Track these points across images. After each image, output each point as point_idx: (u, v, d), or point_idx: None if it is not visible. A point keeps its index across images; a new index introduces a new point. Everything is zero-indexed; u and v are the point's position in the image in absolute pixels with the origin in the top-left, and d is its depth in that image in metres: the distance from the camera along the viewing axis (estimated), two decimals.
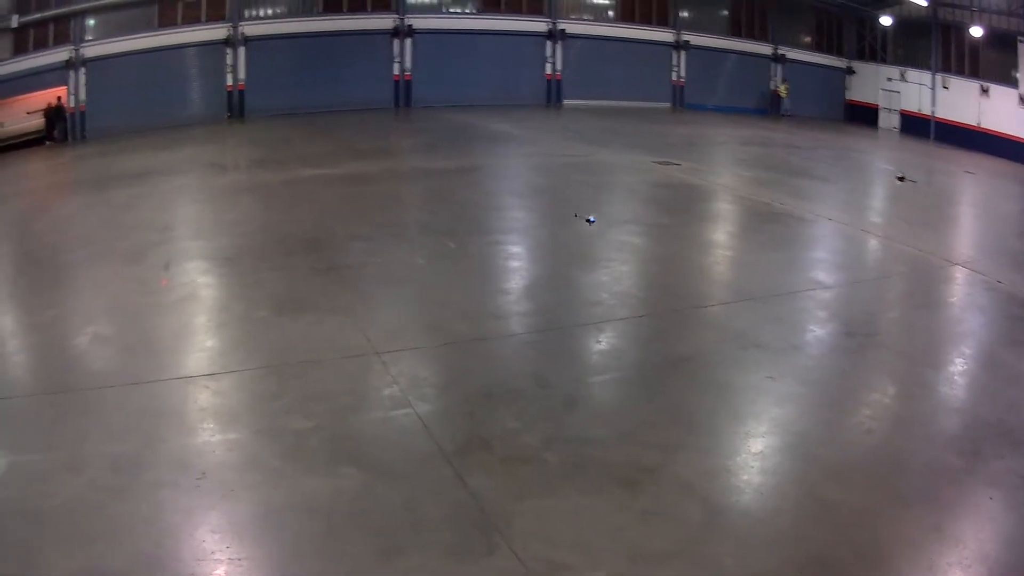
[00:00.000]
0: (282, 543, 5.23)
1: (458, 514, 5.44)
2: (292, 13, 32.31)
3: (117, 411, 7.21)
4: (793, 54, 35.72)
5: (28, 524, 5.68)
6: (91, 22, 32.48)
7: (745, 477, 5.97)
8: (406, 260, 10.70)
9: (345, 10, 32.09)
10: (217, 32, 31.51)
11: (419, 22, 31.92)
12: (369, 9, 32.06)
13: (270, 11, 32.47)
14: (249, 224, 12.94)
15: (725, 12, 36.53)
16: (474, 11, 33.40)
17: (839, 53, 35.76)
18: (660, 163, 17.67)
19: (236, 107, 31.16)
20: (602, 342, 8.37)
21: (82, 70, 31.57)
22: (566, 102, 32.71)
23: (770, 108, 34.45)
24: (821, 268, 10.86)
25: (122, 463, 6.32)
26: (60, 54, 31.76)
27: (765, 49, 35.81)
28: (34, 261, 12.64)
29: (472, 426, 6.49)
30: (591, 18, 34.89)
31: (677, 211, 13.71)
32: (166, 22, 32.06)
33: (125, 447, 6.53)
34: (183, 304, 9.68)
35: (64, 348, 8.93)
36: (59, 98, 32.41)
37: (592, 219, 11.48)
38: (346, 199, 14.46)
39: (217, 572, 4.98)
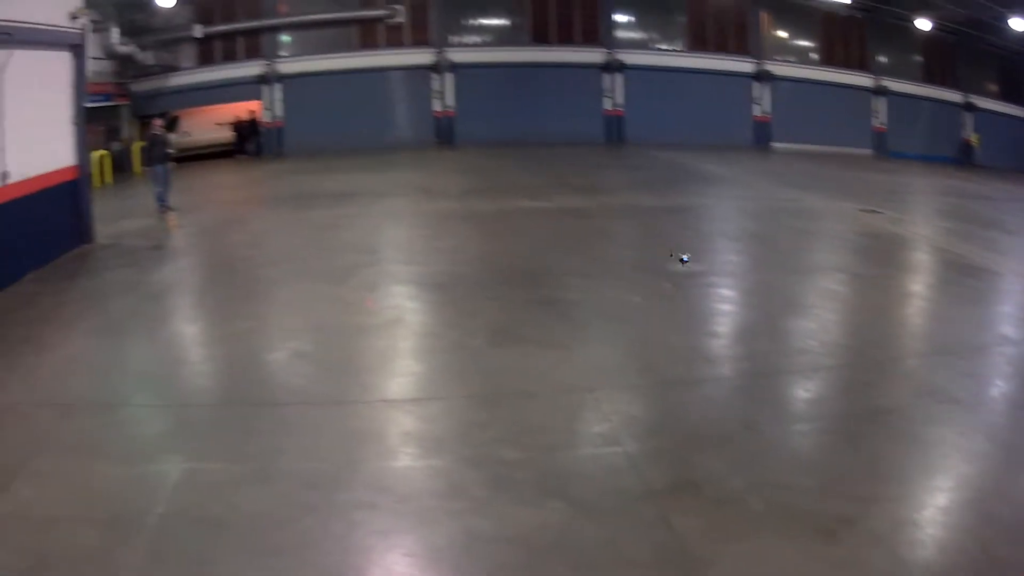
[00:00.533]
0: (479, 572, 5.10)
1: (661, 553, 5.25)
2: (500, 42, 32.64)
3: (315, 429, 7.24)
4: (983, 103, 34.45)
5: (208, 532, 5.71)
6: (285, 38, 33.41)
7: (930, 531, 5.70)
8: (621, 298, 10.52)
9: (554, 42, 32.23)
10: (423, 57, 32.08)
11: (628, 58, 31.81)
12: (578, 42, 32.07)
13: (477, 39, 32.84)
14: (462, 252, 12.99)
15: (919, 57, 35.44)
16: (682, 49, 33.11)
17: None
18: (864, 211, 17.09)
19: (445, 133, 31.61)
20: (808, 390, 8.08)
21: (277, 86, 32.49)
22: (774, 145, 32.18)
23: (963, 157, 33.21)
24: (1012, 324, 10.23)
25: (317, 480, 6.29)
26: (252, 68, 32.76)
27: (956, 97, 34.60)
28: (232, 273, 13.08)
29: (680, 467, 6.29)
30: (795, 60, 34.24)
31: (880, 261, 13.21)
32: (368, 43, 32.74)
33: (322, 465, 6.52)
34: (390, 327, 9.74)
35: (262, 362, 9.12)
36: (252, 112, 33.36)
37: (686, 259, 11.04)
38: (560, 233, 14.41)
39: None
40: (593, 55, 31.95)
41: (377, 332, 9.59)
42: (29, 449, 7.29)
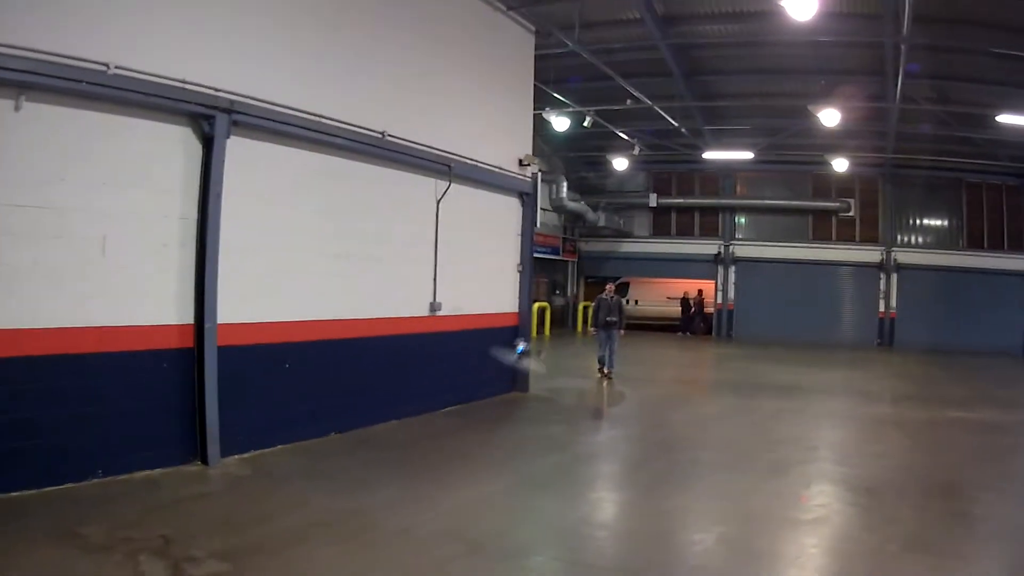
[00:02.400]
0: None
1: None
2: (939, 244, 31.94)
3: None
4: None
5: None
6: (741, 220, 34.03)
7: None
8: (1019, 516, 10.31)
9: (986, 247, 31.20)
10: (871, 255, 31.92)
11: None
12: (1005, 248, 30.77)
13: (920, 239, 32.28)
14: (892, 458, 13.17)
15: None
16: None
17: None
18: None
19: (887, 335, 31.19)
20: None
21: (732, 268, 33.16)
22: None
23: None
24: None
25: None
26: (708, 247, 33.60)
27: None
28: (668, 449, 13.85)
29: None
30: None
31: None
32: (819, 235, 32.95)
33: None
34: (817, 525, 10.01)
35: (684, 541, 9.61)
36: (700, 291, 34.03)
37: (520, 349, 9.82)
38: (983, 447, 14.17)
39: None
40: (1018, 262, 30.65)
41: (803, 528, 9.92)
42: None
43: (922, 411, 16.99)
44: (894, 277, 31.65)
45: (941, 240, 32.06)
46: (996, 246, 31.07)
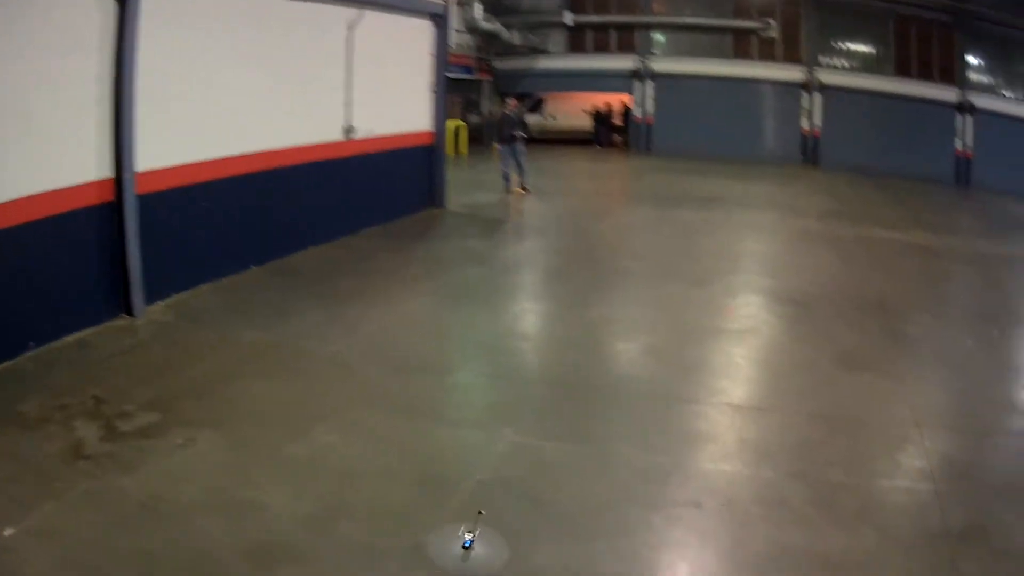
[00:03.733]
0: None
1: None
2: (865, 68, 31.29)
3: (654, 422, 7.35)
4: None
5: (526, 506, 5.87)
6: (659, 37, 33.34)
7: None
8: (956, 340, 10.01)
9: (914, 76, 30.53)
10: (793, 74, 31.29)
11: (980, 101, 29.32)
12: (935, 79, 30.12)
13: (844, 63, 31.66)
14: (822, 274, 12.81)
15: None
16: None
17: None
18: None
19: (810, 153, 30.86)
20: None
21: (650, 83, 32.58)
22: None
23: None
24: None
25: (648, 472, 6.36)
26: (625, 62, 32.89)
27: None
28: (590, 261, 13.43)
29: (979, 515, 5.99)
30: None
31: None
32: (740, 54, 32.32)
33: (655, 458, 6.59)
34: (745, 336, 9.79)
35: (610, 351, 9.35)
36: (609, 104, 33.59)
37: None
38: (914, 269, 13.88)
39: None
40: (947, 93, 29.72)
41: (730, 338, 9.67)
42: (343, 400, 7.71)
43: (851, 229, 16.57)
44: (817, 97, 31.18)
45: (868, 66, 31.43)
46: (926, 77, 30.56)
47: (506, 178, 19.97)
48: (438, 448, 6.93)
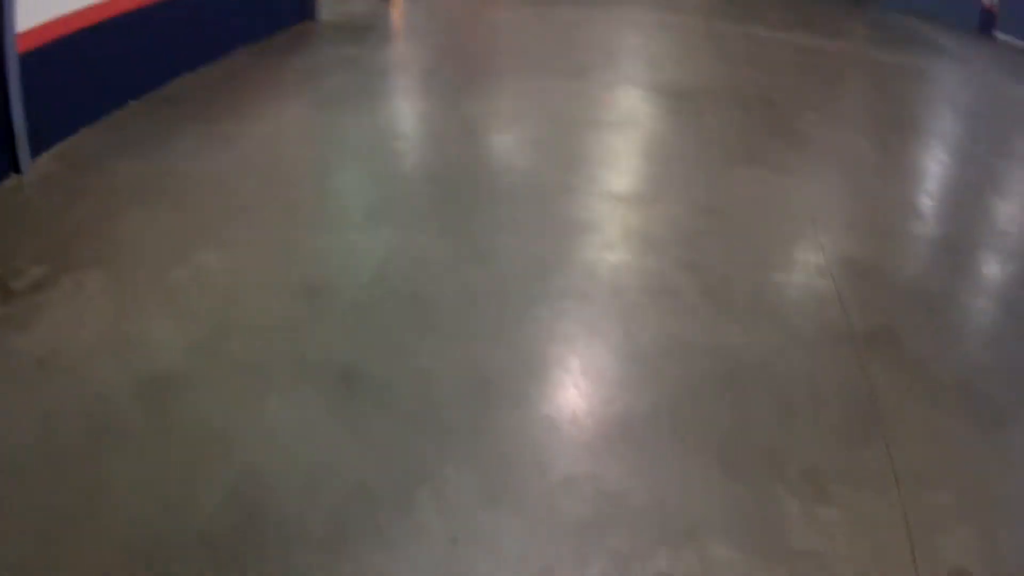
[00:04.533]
0: (683, 377, 4.93)
1: (849, 397, 4.93)
2: None
3: (537, 213, 7.02)
4: None
5: (409, 307, 5.65)
6: None
7: None
8: (851, 142, 9.69)
9: None
10: None
11: None
12: None
13: None
14: (701, 68, 12.33)
15: None
16: None
17: None
18: None
19: None
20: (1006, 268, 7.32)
21: None
22: None
23: None
24: None
25: (530, 264, 6.08)
26: None
27: None
28: (465, 59, 12.76)
29: (885, 316, 5.82)
30: None
31: None
32: None
33: (538, 249, 6.32)
34: (624, 127, 9.33)
35: (489, 144, 8.96)
36: None
37: None
38: (802, 70, 13.33)
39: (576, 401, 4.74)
40: None
41: (611, 129, 9.20)
42: (222, 218, 7.29)
43: (736, 27, 15.84)
44: None
45: None
46: None
47: None
48: (318, 256, 6.66)
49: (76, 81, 10.58)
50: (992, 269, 7.29)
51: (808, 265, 6.40)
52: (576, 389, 4.77)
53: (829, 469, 4.21)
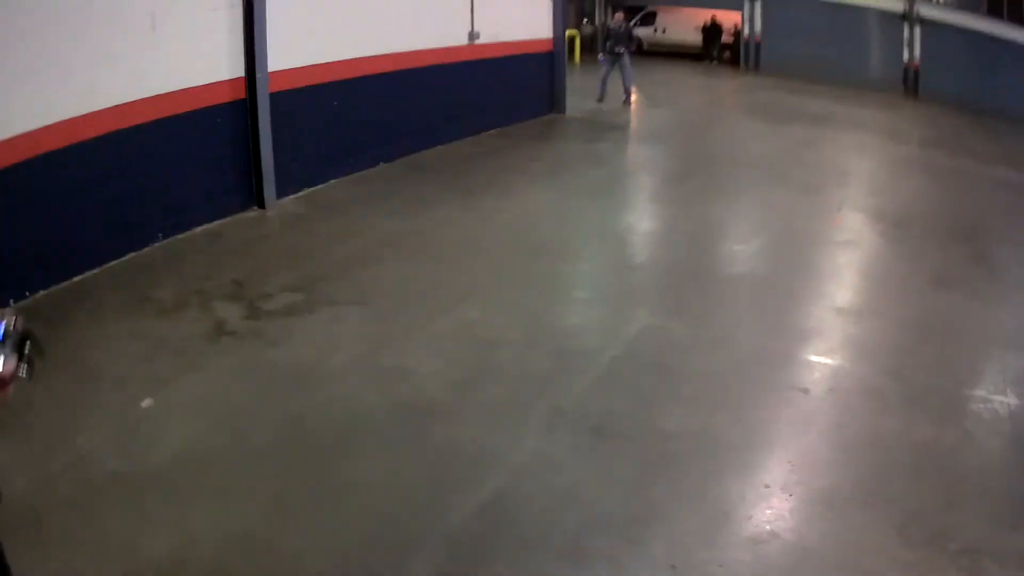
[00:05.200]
0: (874, 463, 5.28)
1: (1016, 495, 5.08)
2: (962, 6, 29.68)
3: (766, 314, 7.66)
4: None
5: (658, 378, 6.23)
6: None
7: None
8: None
9: (1005, 16, 28.65)
10: (896, 4, 29.98)
11: None
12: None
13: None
14: (919, 198, 12.53)
15: None
16: None
17: None
18: None
19: (911, 83, 29.69)
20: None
21: (758, 3, 31.28)
22: None
23: None
24: None
25: (762, 355, 6.70)
26: None
27: None
28: (707, 167, 13.49)
29: None
30: None
31: None
32: None
33: (768, 343, 6.93)
34: (848, 246, 9.84)
35: (727, 248, 9.59)
36: (714, 16, 32.26)
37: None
38: (1012, 203, 12.98)
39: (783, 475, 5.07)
40: None
41: (835, 247, 9.75)
42: (481, 280, 8.07)
43: (948, 159, 16.00)
44: (917, 29, 29.98)
45: (965, 3, 29.95)
46: (1017, 19, 28.96)
47: (601, 89, 19.10)
48: (573, 324, 7.29)
49: (328, 131, 11.40)
50: None
51: (992, 383, 6.66)
52: (790, 464, 5.17)
53: (987, 549, 4.40)
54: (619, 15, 19.93)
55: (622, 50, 19.18)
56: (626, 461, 5.15)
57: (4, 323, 1.96)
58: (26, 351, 1.99)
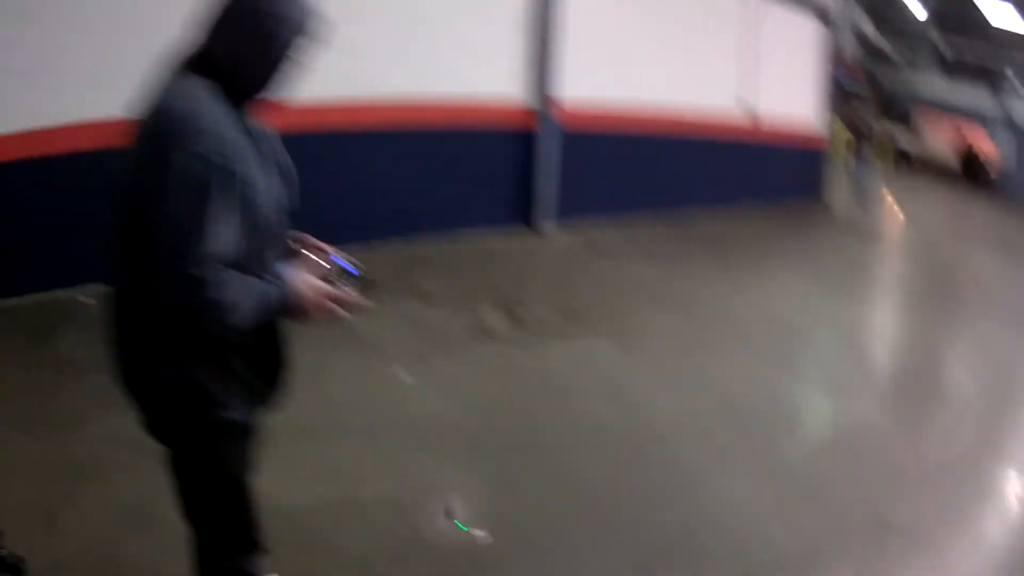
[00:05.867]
0: None
1: None
2: None
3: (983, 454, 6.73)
4: None
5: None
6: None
7: None
8: None
9: None
10: None
11: None
12: None
13: None
14: None
15: None
16: None
17: None
18: None
19: None
20: None
21: (1003, 129, 27.87)
22: None
23: None
24: None
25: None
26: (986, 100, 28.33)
27: None
28: (956, 283, 12.29)
29: None
30: None
31: None
32: None
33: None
34: None
35: (952, 377, 8.46)
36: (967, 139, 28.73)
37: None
38: None
39: None
40: None
41: None
42: (727, 339, 8.19)
43: None
44: None
45: None
46: None
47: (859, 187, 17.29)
48: (806, 400, 7.32)
49: (604, 174, 11.97)
50: None
51: None
52: None
53: None
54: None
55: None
56: (811, 510, 5.32)
57: (358, 269, 2.76)
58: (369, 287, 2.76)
